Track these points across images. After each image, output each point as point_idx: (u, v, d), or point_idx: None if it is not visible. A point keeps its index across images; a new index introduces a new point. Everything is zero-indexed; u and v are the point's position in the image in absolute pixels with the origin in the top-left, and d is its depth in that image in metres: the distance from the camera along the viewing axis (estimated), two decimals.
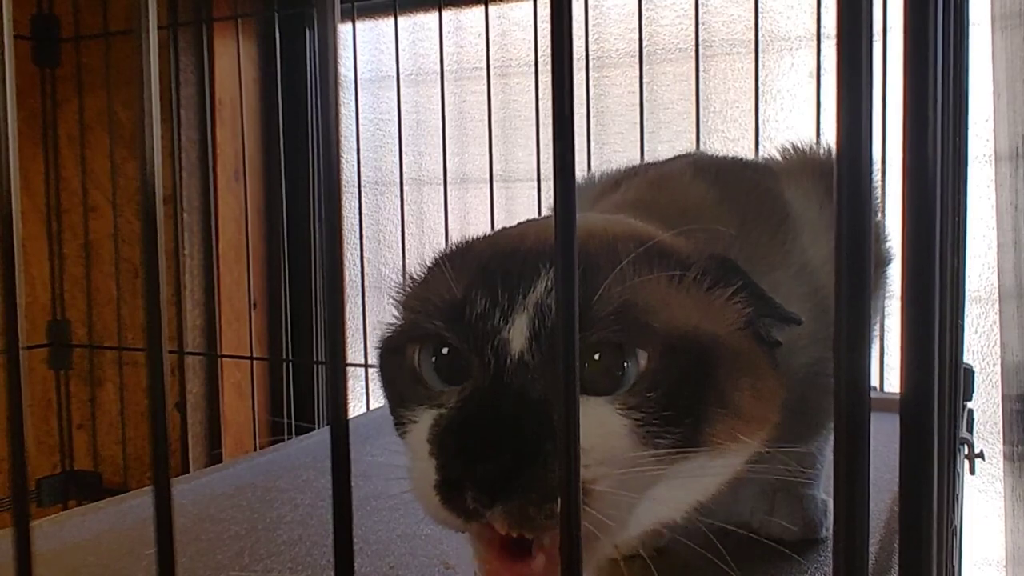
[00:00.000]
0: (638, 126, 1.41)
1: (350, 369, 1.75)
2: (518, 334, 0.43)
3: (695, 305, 0.46)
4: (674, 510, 0.48)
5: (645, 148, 1.41)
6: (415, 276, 0.52)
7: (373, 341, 0.53)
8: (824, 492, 0.71)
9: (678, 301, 0.46)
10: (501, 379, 0.43)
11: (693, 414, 0.44)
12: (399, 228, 1.60)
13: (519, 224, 0.55)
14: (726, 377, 0.45)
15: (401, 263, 1.57)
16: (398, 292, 0.53)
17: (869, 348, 0.24)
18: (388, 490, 0.88)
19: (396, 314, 0.52)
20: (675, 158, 0.76)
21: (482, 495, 0.40)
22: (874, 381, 1.28)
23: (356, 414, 1.28)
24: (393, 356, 0.49)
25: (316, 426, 1.80)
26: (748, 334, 0.48)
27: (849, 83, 0.23)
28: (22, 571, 0.29)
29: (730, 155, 0.78)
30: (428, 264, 0.52)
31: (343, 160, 1.82)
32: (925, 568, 0.24)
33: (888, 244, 0.70)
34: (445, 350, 0.46)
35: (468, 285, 0.46)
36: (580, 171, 0.93)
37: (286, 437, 1.75)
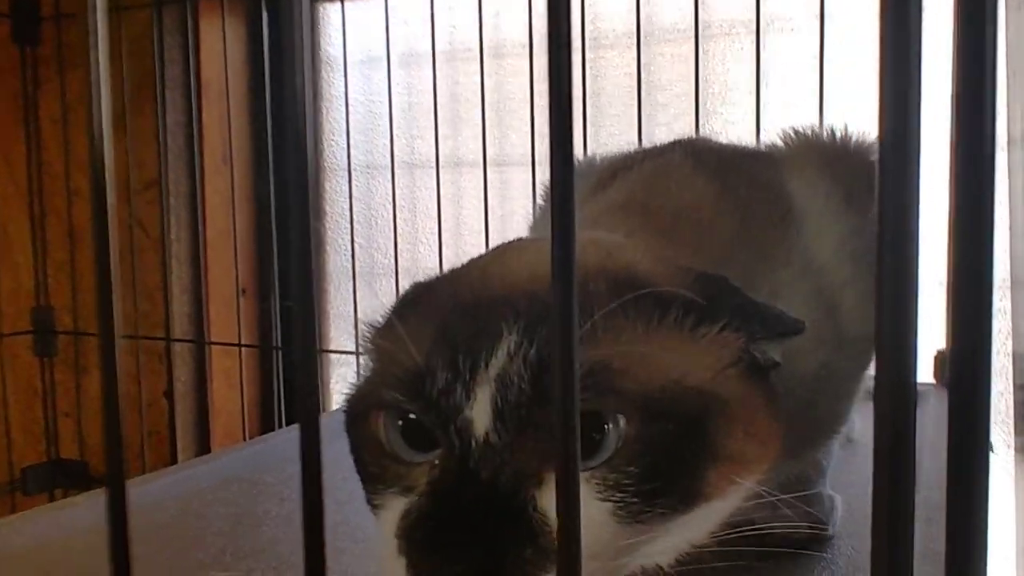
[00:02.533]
0: (636, 108, 1.38)
1: (340, 356, 1.73)
2: (481, 412, 0.40)
3: (677, 351, 0.43)
4: (665, 557, 0.45)
5: (643, 130, 1.38)
6: (378, 324, 0.49)
7: (363, 328, 0.50)
8: (830, 488, 0.69)
9: (658, 350, 0.42)
10: (467, 465, 0.40)
11: (680, 478, 0.41)
12: (391, 213, 1.57)
13: (485, 257, 0.52)
14: (716, 429, 0.42)
15: (393, 249, 1.54)
16: (365, 340, 0.50)
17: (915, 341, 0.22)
18: None
19: (369, 363, 0.50)
20: (673, 144, 0.72)
21: None
22: None
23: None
24: (357, 425, 0.46)
25: None
26: (740, 368, 0.45)
27: (895, 58, 0.21)
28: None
29: (730, 143, 0.75)
30: (390, 311, 0.49)
31: (333, 144, 1.79)
32: (979, 555, 0.22)
33: None
34: (412, 415, 0.43)
35: (428, 351, 0.42)
36: (577, 154, 0.90)
37: (276, 426, 1.73)
